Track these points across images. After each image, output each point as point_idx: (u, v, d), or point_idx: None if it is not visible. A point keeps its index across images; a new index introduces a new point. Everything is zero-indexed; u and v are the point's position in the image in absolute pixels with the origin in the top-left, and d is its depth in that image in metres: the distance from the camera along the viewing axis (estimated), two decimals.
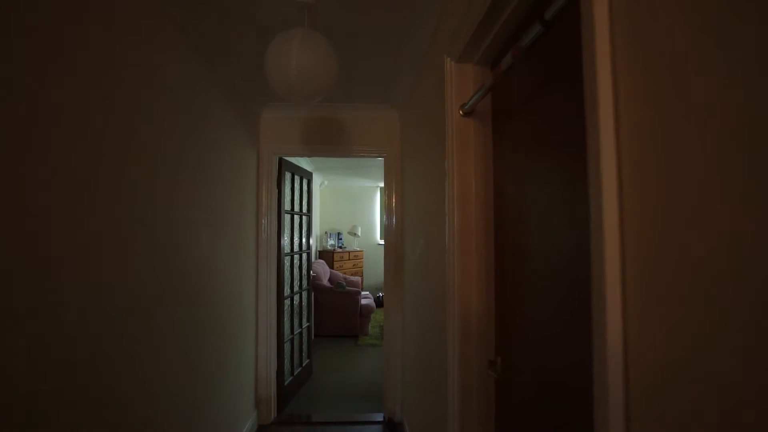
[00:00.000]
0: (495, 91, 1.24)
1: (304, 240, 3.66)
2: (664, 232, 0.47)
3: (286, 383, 3.08)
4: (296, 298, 3.45)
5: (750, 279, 0.37)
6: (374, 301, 5.71)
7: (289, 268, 3.27)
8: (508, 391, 1.15)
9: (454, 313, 1.29)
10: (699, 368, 0.42)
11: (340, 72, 1.57)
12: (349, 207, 7.51)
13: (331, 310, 4.95)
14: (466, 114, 1.29)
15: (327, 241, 6.87)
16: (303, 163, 4.60)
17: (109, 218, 1.21)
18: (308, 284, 3.74)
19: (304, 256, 3.65)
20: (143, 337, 1.40)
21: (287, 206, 3.22)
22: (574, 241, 0.81)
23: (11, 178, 0.88)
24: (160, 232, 1.52)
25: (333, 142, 2.92)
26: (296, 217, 3.46)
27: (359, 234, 7.19)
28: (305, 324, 3.62)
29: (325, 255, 6.48)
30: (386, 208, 2.95)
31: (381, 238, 7.52)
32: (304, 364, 3.51)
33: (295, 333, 3.34)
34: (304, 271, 3.65)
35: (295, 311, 3.40)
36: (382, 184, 7.40)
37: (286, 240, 3.18)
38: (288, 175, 3.23)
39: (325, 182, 7.13)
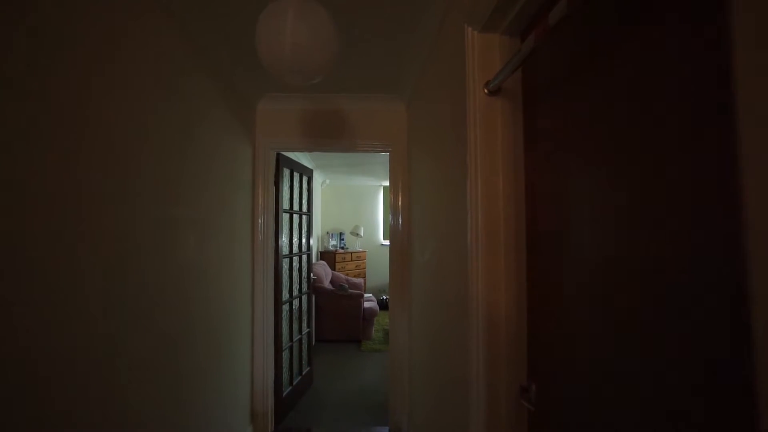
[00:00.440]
0: (528, 65, 1.04)
1: (304, 241, 3.46)
2: None
3: (284, 394, 2.88)
4: (295, 302, 3.25)
5: None
6: (377, 303, 5.51)
7: (287, 271, 3.07)
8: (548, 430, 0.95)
9: (478, 326, 1.09)
10: None
11: (341, 49, 1.37)
12: (352, 206, 7.31)
13: (333, 314, 4.75)
14: (492, 92, 1.08)
15: (329, 242, 6.67)
16: (303, 160, 4.40)
17: (87, 217, 1.02)
18: (308, 287, 3.54)
19: (304, 257, 3.45)
20: (123, 351, 1.20)
21: (286, 205, 3.02)
22: (654, 248, 0.60)
23: None
24: (145, 233, 1.33)
25: (334, 135, 2.72)
26: (295, 217, 3.26)
27: (362, 234, 6.99)
28: (305, 330, 3.42)
29: (327, 256, 6.28)
30: (392, 208, 2.75)
31: (384, 239, 7.33)
32: (304, 373, 3.31)
33: (294, 340, 3.14)
34: (304, 274, 3.45)
35: (294, 316, 3.20)
36: (385, 183, 7.21)
37: (284, 241, 2.99)
38: (286, 172, 3.03)
39: (327, 181, 6.94)
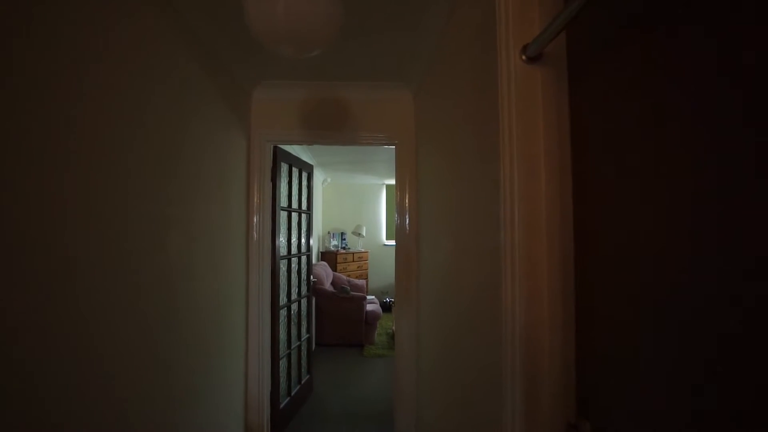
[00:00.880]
0: (576, 25, 0.83)
1: (303, 241, 3.26)
2: None
3: (281, 405, 2.68)
4: (294, 306, 3.04)
5: None
6: (380, 305, 5.31)
7: (285, 273, 2.87)
8: None
9: (514, 350, 0.88)
10: None
11: (343, 18, 1.17)
12: (353, 205, 7.11)
13: (334, 317, 4.55)
14: (531, 59, 0.88)
15: (330, 242, 6.46)
16: (303, 156, 4.20)
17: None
18: (308, 290, 3.34)
19: (304, 258, 3.25)
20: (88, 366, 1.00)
21: (284, 202, 2.81)
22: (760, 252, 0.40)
23: None
24: (124, 233, 1.12)
25: (336, 127, 2.51)
26: (294, 215, 3.06)
27: (364, 234, 6.79)
28: (305, 336, 3.22)
29: (328, 256, 6.07)
30: (398, 206, 2.54)
31: (387, 239, 7.13)
32: (303, 382, 3.11)
33: (292, 347, 2.94)
34: (304, 276, 3.24)
35: (293, 321, 3.00)
36: (387, 182, 7.01)
37: (282, 241, 2.78)
38: (284, 167, 2.83)
39: (328, 179, 6.73)
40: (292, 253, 3.00)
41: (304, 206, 3.26)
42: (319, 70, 2.25)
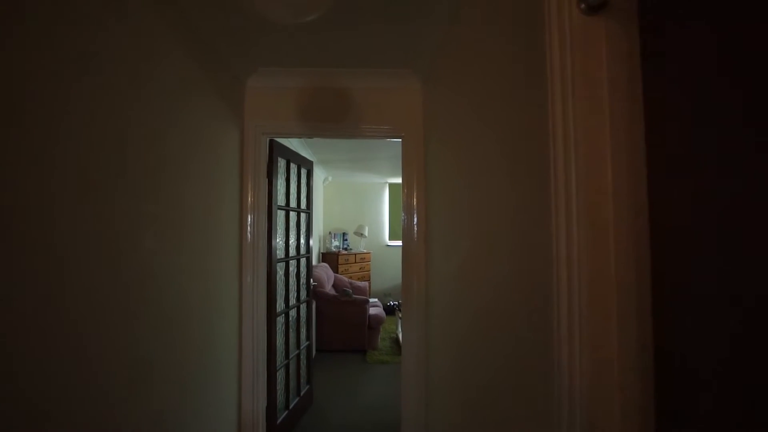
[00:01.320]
0: None
1: (303, 242, 3.05)
2: None
3: (279, 420, 2.48)
4: (293, 312, 2.84)
5: None
6: (383, 309, 5.10)
7: (283, 277, 2.66)
8: None
9: (573, 386, 0.68)
10: None
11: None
12: (355, 205, 6.90)
13: (336, 322, 4.34)
14: (593, 8, 0.67)
15: (331, 243, 6.25)
16: (302, 152, 4.00)
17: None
18: (308, 295, 3.13)
19: (303, 261, 3.04)
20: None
21: (281, 201, 2.61)
22: None
23: None
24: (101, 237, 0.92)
25: (337, 119, 2.31)
26: (292, 215, 2.85)
27: (366, 234, 6.58)
28: (304, 343, 3.01)
29: (329, 258, 5.87)
30: (404, 204, 2.33)
31: (390, 239, 6.93)
32: (302, 393, 2.90)
33: (291, 356, 2.73)
34: (303, 280, 3.03)
35: (291, 328, 2.79)
36: (390, 180, 6.80)
37: (279, 242, 2.58)
38: (282, 163, 2.62)
39: (330, 178, 6.53)
40: (291, 255, 2.79)
41: (303, 205, 3.05)
42: (318, 56, 2.04)
